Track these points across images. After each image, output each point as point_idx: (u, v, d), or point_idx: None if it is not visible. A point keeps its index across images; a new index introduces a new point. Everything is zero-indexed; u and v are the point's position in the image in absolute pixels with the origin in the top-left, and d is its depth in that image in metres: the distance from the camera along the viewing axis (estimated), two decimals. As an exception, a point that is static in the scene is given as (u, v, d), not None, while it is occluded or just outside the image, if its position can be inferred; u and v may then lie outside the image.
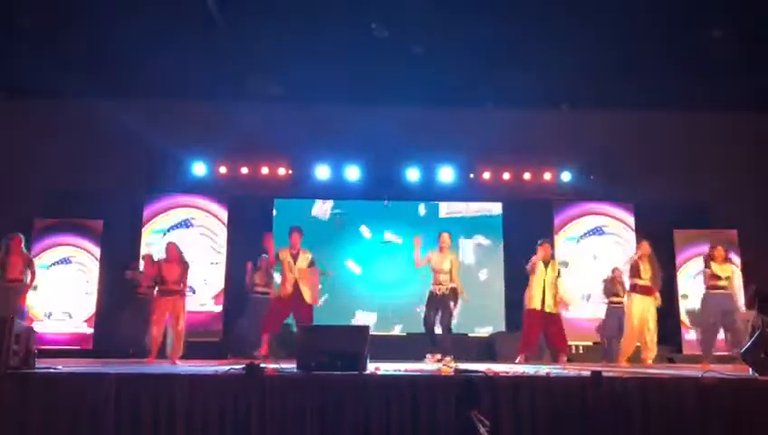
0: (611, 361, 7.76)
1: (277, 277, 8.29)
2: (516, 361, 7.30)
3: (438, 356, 6.81)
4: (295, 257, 7.35)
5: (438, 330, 7.24)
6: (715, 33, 7.83)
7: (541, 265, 7.50)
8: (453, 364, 6.54)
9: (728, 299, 7.40)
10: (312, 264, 7.44)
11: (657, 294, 7.48)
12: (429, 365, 6.22)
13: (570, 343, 9.43)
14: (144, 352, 7.45)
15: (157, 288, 7.35)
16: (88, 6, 7.48)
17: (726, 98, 9.26)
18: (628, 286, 7.73)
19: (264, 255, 8.44)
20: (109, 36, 7.95)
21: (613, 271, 8.44)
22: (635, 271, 7.46)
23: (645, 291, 7.41)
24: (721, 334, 7.61)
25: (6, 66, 8.63)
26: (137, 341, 7.90)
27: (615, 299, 8.28)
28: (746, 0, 7.21)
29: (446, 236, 7.41)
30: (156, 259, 8.00)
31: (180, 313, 7.24)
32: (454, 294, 7.20)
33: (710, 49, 8.12)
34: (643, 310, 7.35)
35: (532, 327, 7.51)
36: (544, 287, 7.41)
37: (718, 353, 7.65)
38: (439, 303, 7.17)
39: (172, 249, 7.43)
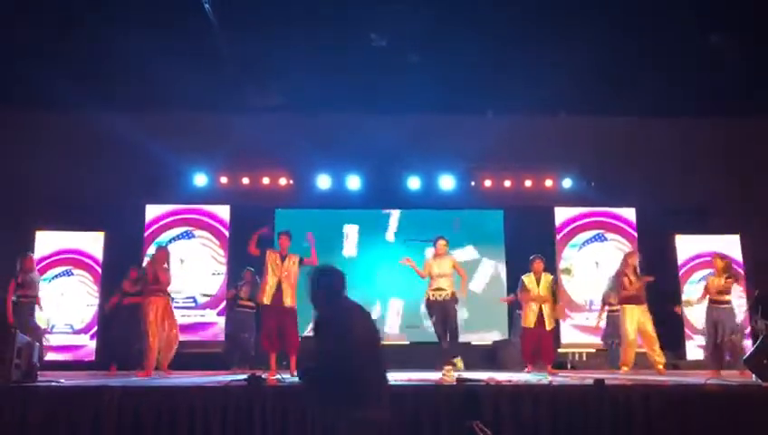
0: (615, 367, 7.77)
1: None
2: (526, 370, 7.43)
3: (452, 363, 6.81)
4: (283, 260, 7.20)
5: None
6: (714, 38, 7.85)
7: (533, 279, 7.53)
8: (460, 365, 6.66)
9: (726, 314, 7.31)
10: (301, 262, 7.22)
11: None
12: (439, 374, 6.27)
13: (572, 350, 9.54)
14: (135, 364, 7.36)
15: (146, 288, 7.33)
16: (88, 18, 7.50)
17: (727, 102, 9.24)
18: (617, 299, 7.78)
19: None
20: (109, 47, 7.96)
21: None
22: (623, 283, 7.48)
23: (634, 300, 7.41)
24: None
25: (6, 78, 8.65)
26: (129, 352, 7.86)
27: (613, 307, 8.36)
28: (745, 6, 7.22)
29: (441, 242, 7.42)
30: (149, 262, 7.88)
31: (172, 316, 7.38)
32: (454, 298, 7.20)
33: (710, 54, 8.12)
34: (638, 316, 7.34)
35: (529, 344, 7.57)
36: (540, 305, 7.45)
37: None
38: (442, 309, 7.15)
39: (165, 254, 7.59)
